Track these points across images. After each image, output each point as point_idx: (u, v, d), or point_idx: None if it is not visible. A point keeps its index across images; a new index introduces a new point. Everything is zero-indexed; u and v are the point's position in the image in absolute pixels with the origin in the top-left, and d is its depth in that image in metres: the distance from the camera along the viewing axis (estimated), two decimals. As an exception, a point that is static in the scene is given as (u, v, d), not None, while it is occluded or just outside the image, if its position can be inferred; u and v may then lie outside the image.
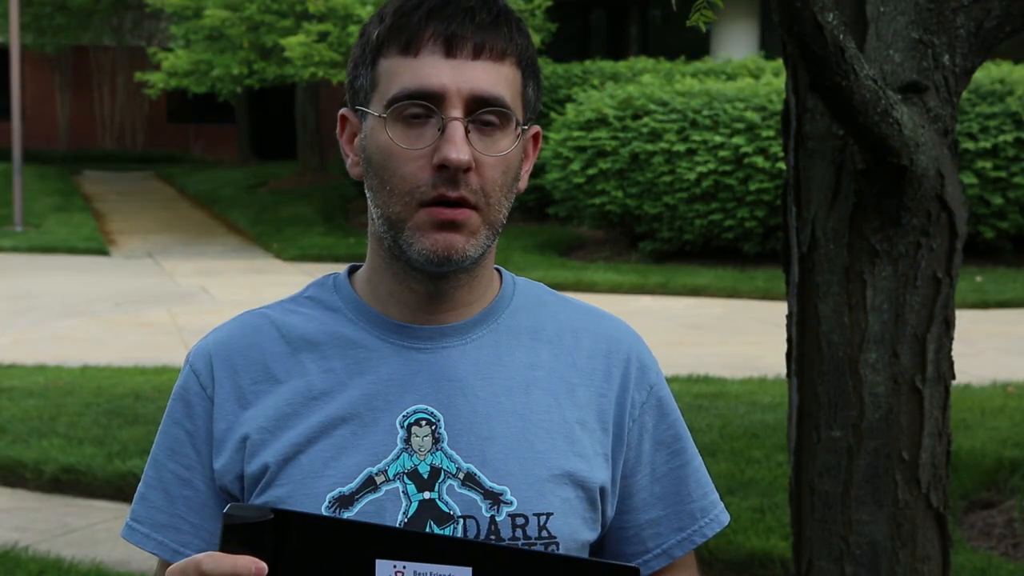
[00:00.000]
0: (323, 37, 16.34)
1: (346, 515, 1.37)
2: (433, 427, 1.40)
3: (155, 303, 12.61)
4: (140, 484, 1.49)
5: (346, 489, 1.38)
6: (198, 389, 1.45)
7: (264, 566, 1.17)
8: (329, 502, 1.38)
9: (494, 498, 1.39)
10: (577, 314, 1.52)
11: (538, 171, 15.00)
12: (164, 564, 1.47)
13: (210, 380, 1.45)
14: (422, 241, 1.37)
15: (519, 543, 1.38)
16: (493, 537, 1.37)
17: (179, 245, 17.98)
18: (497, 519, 1.38)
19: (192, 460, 1.45)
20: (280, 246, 17.28)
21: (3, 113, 27.04)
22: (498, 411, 1.42)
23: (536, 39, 15.96)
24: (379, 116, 1.39)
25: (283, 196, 21.48)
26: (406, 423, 1.40)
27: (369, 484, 1.38)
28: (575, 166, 14.25)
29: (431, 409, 1.41)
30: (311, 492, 1.39)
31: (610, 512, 1.48)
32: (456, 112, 1.35)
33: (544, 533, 1.39)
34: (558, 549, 1.39)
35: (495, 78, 1.36)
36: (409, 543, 1.20)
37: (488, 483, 1.39)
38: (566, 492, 1.41)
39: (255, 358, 1.44)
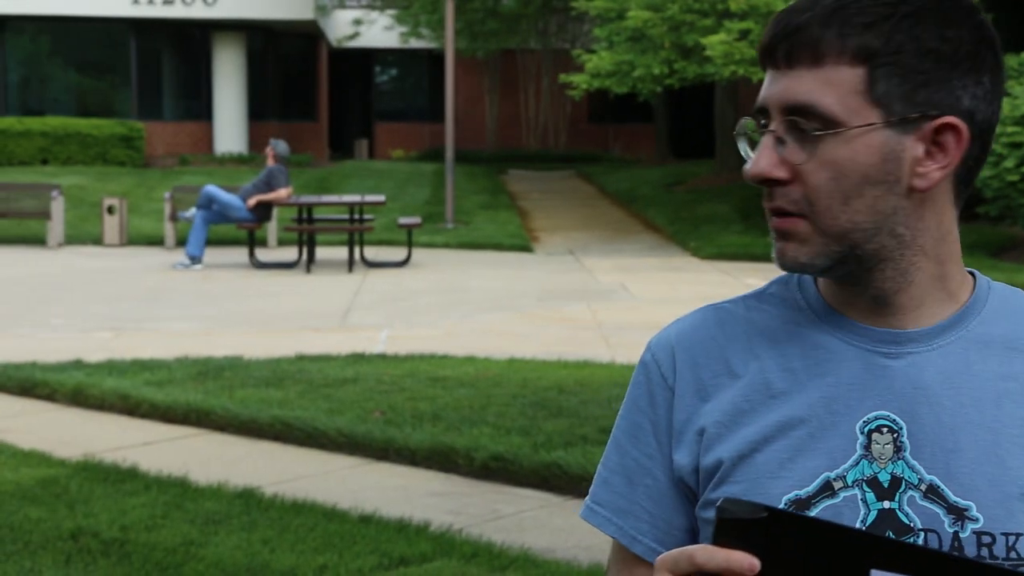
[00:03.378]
0: (744, 35, 16.28)
1: None
2: (895, 435, 1.36)
3: (575, 299, 12.95)
4: (601, 467, 1.51)
5: (803, 492, 1.36)
6: (659, 379, 1.46)
7: (757, 563, 1.15)
8: (785, 504, 1.36)
9: (958, 513, 1.33)
10: None
11: (968, 168, 14.35)
12: (620, 548, 1.49)
13: (671, 371, 1.46)
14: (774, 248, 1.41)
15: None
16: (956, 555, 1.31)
17: (598, 243, 18.39)
18: (961, 535, 1.32)
19: (653, 449, 1.46)
20: (697, 244, 17.36)
21: (438, 115, 28.53)
22: (965, 423, 1.36)
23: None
24: None
25: (700, 195, 21.58)
26: (866, 429, 1.36)
27: (826, 489, 1.35)
28: (1008, 163, 13.56)
29: (893, 416, 1.36)
30: (766, 492, 1.37)
31: None
32: (773, 124, 1.35)
33: (1013, 554, 1.32)
34: None
35: (809, 84, 1.33)
36: (911, 557, 1.16)
37: (952, 497, 1.33)
38: None
39: (716, 352, 1.45)
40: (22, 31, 28.09)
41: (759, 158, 1.36)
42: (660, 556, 1.23)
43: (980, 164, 1.39)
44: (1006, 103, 14.05)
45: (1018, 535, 1.32)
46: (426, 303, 12.79)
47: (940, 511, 1.33)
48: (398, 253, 16.53)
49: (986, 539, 1.32)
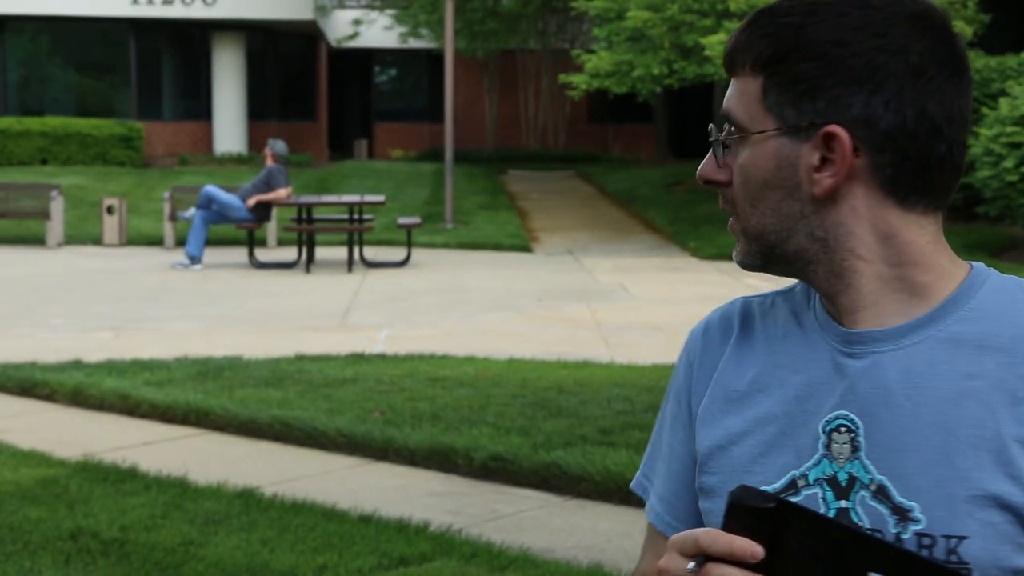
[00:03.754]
0: (743, 35, 16.31)
1: None
2: (852, 435, 1.37)
3: (575, 299, 12.95)
4: (658, 455, 1.56)
5: (770, 489, 1.38)
6: (687, 366, 1.52)
7: (760, 551, 1.17)
8: None
9: (902, 514, 1.33)
10: None
11: (967, 168, 14.36)
12: (656, 535, 1.55)
13: (696, 355, 1.51)
14: None
15: None
16: None
17: (598, 243, 18.40)
18: (903, 537, 1.32)
19: (683, 435, 1.51)
20: (697, 244, 17.37)
21: (437, 115, 28.53)
22: (920, 423, 1.35)
23: (968, 31, 15.28)
24: None
25: (700, 195, 21.56)
26: (827, 428, 1.38)
27: (791, 487, 1.38)
28: (1008, 163, 13.57)
29: (852, 416, 1.37)
30: (738, 484, 1.39)
31: None
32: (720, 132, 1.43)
33: (953, 557, 1.30)
34: None
35: (731, 93, 1.42)
36: (911, 566, 1.16)
37: (897, 498, 1.33)
38: (989, 516, 1.30)
39: (729, 340, 1.49)
40: (22, 31, 28.09)
41: (704, 162, 1.44)
42: (672, 537, 1.26)
43: (917, 170, 1.36)
44: (1005, 103, 14.04)
45: (961, 538, 1.30)
46: (426, 303, 12.80)
47: (886, 511, 1.33)
48: (398, 253, 16.54)
49: (926, 541, 1.31)
